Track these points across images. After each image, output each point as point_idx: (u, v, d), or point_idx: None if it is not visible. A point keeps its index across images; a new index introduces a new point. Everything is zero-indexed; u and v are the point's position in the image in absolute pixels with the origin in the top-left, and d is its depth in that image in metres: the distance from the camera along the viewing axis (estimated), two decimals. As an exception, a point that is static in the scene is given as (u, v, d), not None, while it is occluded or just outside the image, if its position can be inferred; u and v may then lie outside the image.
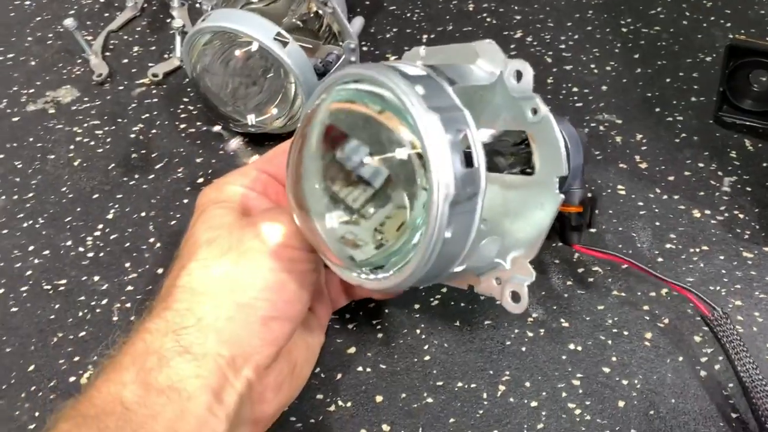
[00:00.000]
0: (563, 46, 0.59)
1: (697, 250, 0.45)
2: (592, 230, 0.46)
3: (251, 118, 0.49)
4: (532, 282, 0.33)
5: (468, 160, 0.28)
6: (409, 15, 0.62)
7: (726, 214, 0.47)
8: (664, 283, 0.41)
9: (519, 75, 0.31)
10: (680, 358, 0.40)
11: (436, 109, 0.28)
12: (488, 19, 0.61)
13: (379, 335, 0.42)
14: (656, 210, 0.47)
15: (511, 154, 0.36)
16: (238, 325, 0.32)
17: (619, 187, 0.49)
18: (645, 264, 0.44)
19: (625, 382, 0.39)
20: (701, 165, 0.50)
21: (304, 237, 0.34)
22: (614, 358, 0.40)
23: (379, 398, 0.39)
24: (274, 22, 0.52)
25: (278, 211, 0.35)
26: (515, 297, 0.33)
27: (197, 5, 0.53)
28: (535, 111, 0.31)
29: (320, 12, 0.50)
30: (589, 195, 0.42)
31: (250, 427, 0.34)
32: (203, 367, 0.31)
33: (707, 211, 0.47)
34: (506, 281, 0.33)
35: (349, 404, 0.39)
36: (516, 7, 0.62)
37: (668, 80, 0.56)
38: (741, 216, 0.47)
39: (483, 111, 0.33)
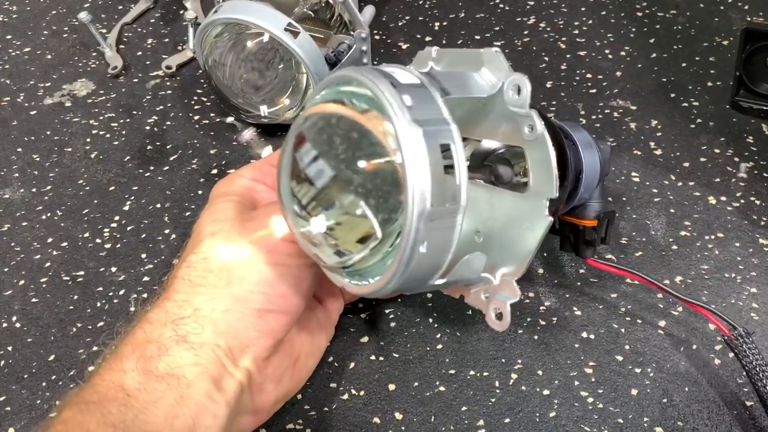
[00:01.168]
0: (577, 32, 0.58)
1: (713, 237, 0.45)
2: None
3: (264, 109, 0.49)
4: (516, 301, 0.31)
5: (449, 175, 0.28)
6: (421, 2, 0.62)
7: (742, 201, 0.46)
8: (680, 302, 0.40)
9: (518, 89, 0.30)
10: (694, 346, 0.40)
11: (422, 121, 0.27)
12: (501, 6, 0.61)
13: (392, 324, 0.42)
14: (671, 197, 0.47)
15: (519, 164, 0.35)
16: (234, 317, 0.33)
17: (633, 174, 0.48)
18: (659, 252, 0.44)
19: (638, 371, 0.39)
20: (717, 151, 0.49)
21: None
22: (627, 347, 0.40)
23: (391, 387, 0.40)
24: (285, 12, 0.53)
25: (279, 206, 0.35)
26: (498, 315, 0.32)
27: (210, -3, 0.53)
28: (531, 128, 0.30)
29: (331, 1, 0.50)
30: (610, 210, 0.40)
31: (250, 416, 0.35)
32: (201, 356, 0.32)
33: (723, 198, 0.47)
34: (492, 297, 0.33)
35: (362, 393, 0.39)
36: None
37: (684, 65, 0.55)
38: (757, 202, 0.46)
39: (484, 120, 0.32)
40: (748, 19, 0.58)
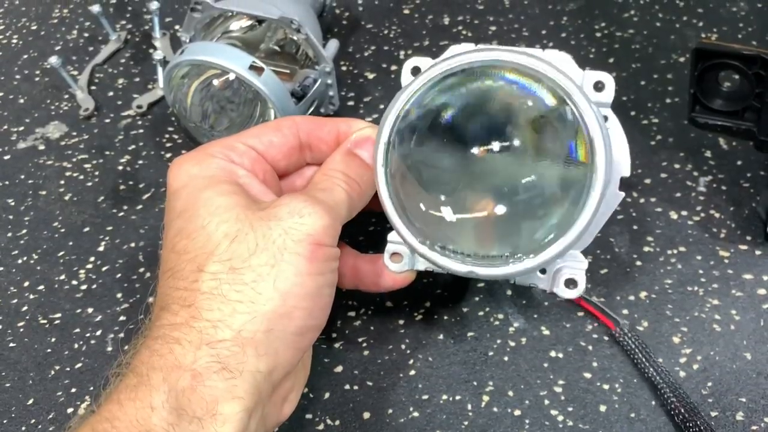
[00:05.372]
0: (538, 55, 0.60)
1: (675, 251, 0.46)
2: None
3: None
4: (586, 267, 0.37)
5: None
6: (386, 32, 0.63)
7: (702, 215, 0.48)
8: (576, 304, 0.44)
9: (601, 85, 0.35)
10: (660, 360, 0.41)
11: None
12: (464, 32, 0.62)
13: (365, 353, 0.43)
14: (633, 214, 0.48)
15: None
16: (277, 337, 0.30)
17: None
18: (623, 268, 0.45)
19: (606, 387, 0.40)
20: (677, 166, 0.51)
21: (333, 232, 0.33)
22: (595, 364, 0.41)
23: (366, 415, 0.40)
24: (252, 48, 0.54)
25: (302, 201, 0.32)
26: (571, 283, 0.37)
27: (178, 35, 0.54)
28: (606, 118, 0.35)
29: (294, 38, 0.51)
30: None
31: None
32: (240, 386, 0.29)
33: (684, 212, 0.48)
34: (561, 271, 0.37)
35: (337, 422, 0.40)
36: (491, 18, 0.63)
37: (643, 83, 0.57)
38: (717, 215, 0.48)
39: None
40: (703, 35, 0.59)
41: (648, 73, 0.57)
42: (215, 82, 0.49)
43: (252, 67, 0.46)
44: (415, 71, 0.37)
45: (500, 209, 0.36)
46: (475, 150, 0.36)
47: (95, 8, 0.62)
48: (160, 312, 0.31)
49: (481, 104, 0.36)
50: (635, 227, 0.47)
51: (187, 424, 0.27)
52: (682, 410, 0.37)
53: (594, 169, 0.34)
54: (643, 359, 0.40)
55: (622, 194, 0.37)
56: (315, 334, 0.33)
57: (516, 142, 0.36)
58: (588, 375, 0.41)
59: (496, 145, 0.36)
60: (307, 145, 0.38)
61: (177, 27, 0.65)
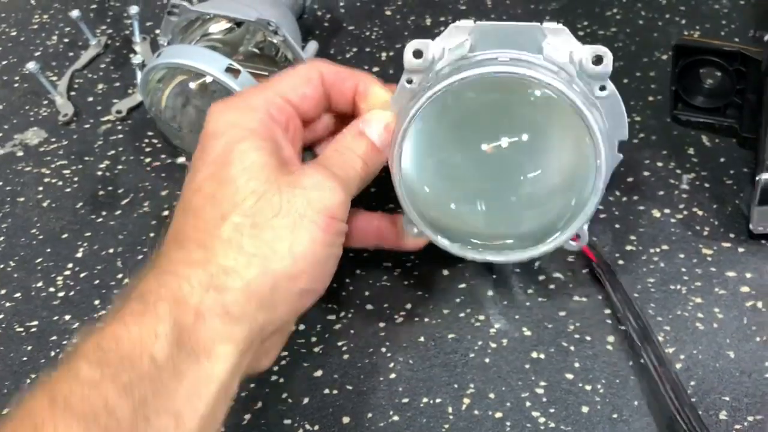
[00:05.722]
0: (521, 54, 0.59)
1: (658, 250, 0.46)
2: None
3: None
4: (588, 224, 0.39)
5: None
6: (368, 34, 0.63)
7: (685, 212, 0.47)
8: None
9: (600, 59, 0.37)
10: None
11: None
12: (446, 33, 0.62)
13: (345, 356, 0.43)
14: (616, 213, 0.48)
15: None
16: (280, 295, 0.33)
17: (578, 191, 0.49)
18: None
19: (588, 388, 0.40)
20: (660, 164, 0.50)
21: (346, 208, 0.36)
22: (577, 364, 0.41)
23: (346, 419, 0.40)
24: (232, 50, 0.53)
25: (323, 173, 0.35)
26: (575, 238, 0.39)
27: (157, 39, 0.54)
28: (603, 88, 0.38)
29: (274, 41, 0.51)
30: None
31: None
32: (237, 332, 0.31)
33: (667, 210, 0.48)
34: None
35: (316, 427, 0.39)
36: (473, 18, 0.62)
37: (626, 81, 0.56)
38: (700, 213, 0.47)
39: None
40: (686, 33, 0.59)
41: (631, 71, 0.57)
42: (192, 85, 0.49)
43: (229, 70, 0.46)
44: (418, 54, 0.38)
45: (510, 200, 0.40)
46: (484, 146, 0.39)
47: (75, 13, 0.62)
48: (174, 246, 0.33)
49: (485, 101, 0.39)
50: (617, 226, 0.47)
51: (185, 356, 0.29)
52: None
53: (598, 155, 0.36)
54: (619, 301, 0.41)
55: (621, 156, 0.39)
56: (313, 299, 0.36)
57: (524, 137, 0.39)
58: (570, 376, 0.40)
59: (504, 141, 0.39)
60: (327, 94, 0.40)
61: (157, 31, 0.64)
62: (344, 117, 0.41)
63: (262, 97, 0.37)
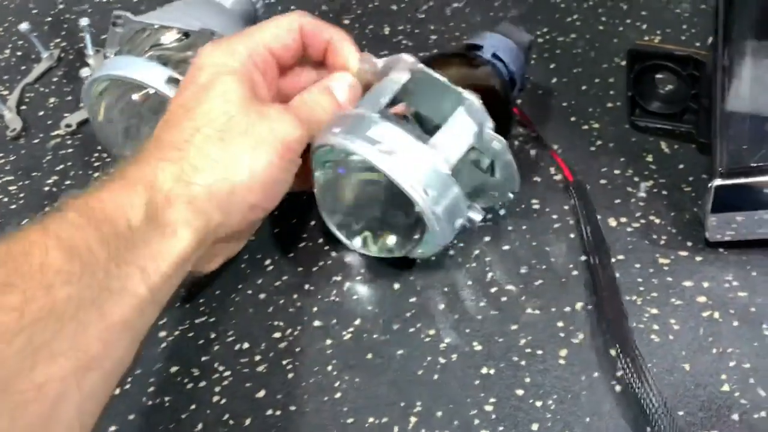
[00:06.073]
0: (479, 62, 0.58)
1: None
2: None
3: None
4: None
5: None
6: (325, 43, 0.62)
7: (642, 221, 0.46)
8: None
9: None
10: (595, 374, 0.39)
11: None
12: (404, 42, 0.61)
13: (290, 375, 0.41)
14: (570, 222, 0.47)
15: None
16: (235, 202, 0.38)
17: (533, 201, 0.48)
18: (559, 279, 0.44)
19: (539, 404, 0.38)
20: (617, 172, 0.49)
21: (302, 144, 0.41)
22: (528, 379, 0.39)
23: (288, 442, 0.38)
24: (183, 60, 0.52)
25: (289, 113, 0.40)
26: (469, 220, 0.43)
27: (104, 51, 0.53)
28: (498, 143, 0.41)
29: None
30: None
31: None
32: (196, 221, 0.36)
33: (623, 219, 0.46)
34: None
35: (257, 450, 0.38)
36: (432, 27, 0.62)
37: (584, 87, 0.55)
38: (657, 221, 0.46)
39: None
40: (646, 38, 0.58)
41: (589, 77, 0.56)
42: (134, 97, 0.47)
43: (170, 80, 0.45)
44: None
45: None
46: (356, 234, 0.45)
47: (24, 26, 0.61)
48: (154, 146, 0.38)
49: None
50: (572, 235, 0.46)
51: (153, 228, 0.35)
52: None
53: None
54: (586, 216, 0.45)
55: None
56: (261, 215, 0.41)
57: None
58: (520, 392, 0.39)
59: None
60: (304, 44, 0.45)
61: (112, 43, 0.63)
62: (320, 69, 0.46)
63: (247, 43, 0.42)
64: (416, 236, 0.42)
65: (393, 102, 0.43)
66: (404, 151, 0.39)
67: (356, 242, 0.45)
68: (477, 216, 0.43)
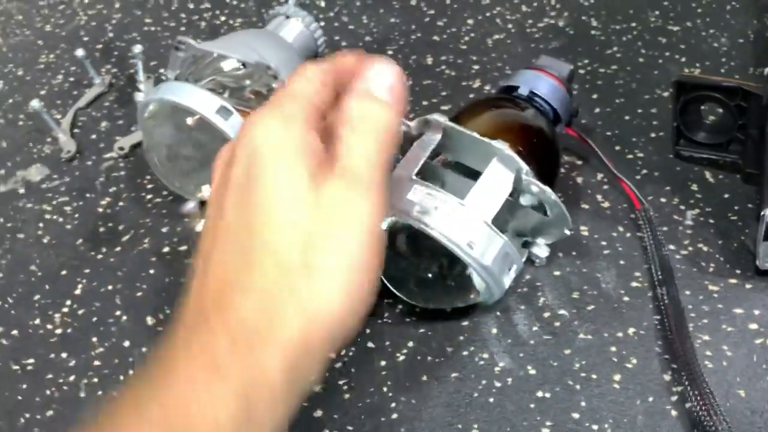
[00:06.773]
0: (522, 92, 0.59)
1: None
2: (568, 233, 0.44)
3: (206, 189, 0.49)
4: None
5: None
6: (370, 72, 0.63)
7: (690, 248, 0.47)
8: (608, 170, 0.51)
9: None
10: (650, 399, 0.39)
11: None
12: (447, 71, 0.62)
13: (346, 396, 0.42)
14: (620, 249, 0.47)
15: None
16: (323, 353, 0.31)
17: (582, 227, 0.49)
18: (611, 305, 0.44)
19: (595, 427, 0.39)
20: (663, 200, 0.50)
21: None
22: (583, 403, 0.40)
23: (346, 461, 0.39)
24: (238, 88, 0.54)
25: (345, 188, 0.31)
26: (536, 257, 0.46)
27: (163, 74, 0.54)
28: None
29: (274, 85, 0.51)
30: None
31: None
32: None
33: (671, 246, 0.47)
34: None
35: (316, 470, 0.38)
36: (474, 57, 0.63)
37: (627, 118, 0.56)
38: (705, 249, 0.47)
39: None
40: (686, 70, 0.59)
41: (632, 108, 0.57)
42: (189, 120, 0.48)
43: (221, 110, 0.46)
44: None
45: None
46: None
47: (79, 53, 0.62)
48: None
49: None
50: (622, 262, 0.46)
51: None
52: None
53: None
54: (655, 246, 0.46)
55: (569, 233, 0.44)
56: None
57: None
58: (576, 415, 0.39)
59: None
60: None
61: (162, 70, 0.65)
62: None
63: (300, 107, 0.33)
64: (472, 295, 0.43)
65: (434, 155, 0.43)
66: (444, 210, 0.39)
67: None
68: (543, 252, 0.45)
